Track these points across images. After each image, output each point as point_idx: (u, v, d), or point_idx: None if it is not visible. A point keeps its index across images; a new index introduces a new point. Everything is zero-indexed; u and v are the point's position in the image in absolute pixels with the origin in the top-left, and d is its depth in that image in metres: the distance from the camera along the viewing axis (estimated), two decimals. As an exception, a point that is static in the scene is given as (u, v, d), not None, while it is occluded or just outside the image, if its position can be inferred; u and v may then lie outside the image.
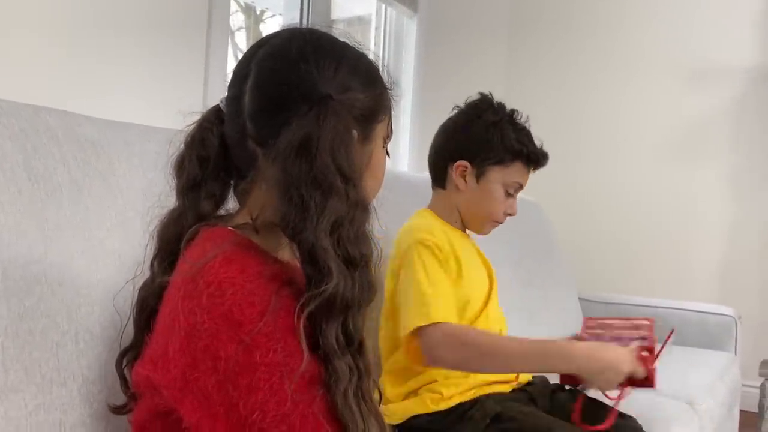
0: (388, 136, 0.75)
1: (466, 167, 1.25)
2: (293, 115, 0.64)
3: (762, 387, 2.48)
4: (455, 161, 1.25)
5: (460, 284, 1.18)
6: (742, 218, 2.88)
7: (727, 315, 2.14)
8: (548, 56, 3.27)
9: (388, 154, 0.77)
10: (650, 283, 2.92)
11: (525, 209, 2.29)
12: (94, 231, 0.82)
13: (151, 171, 0.94)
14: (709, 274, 2.92)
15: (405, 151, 2.58)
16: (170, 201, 0.75)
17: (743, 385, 2.24)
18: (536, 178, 3.23)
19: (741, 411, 2.20)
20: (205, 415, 0.59)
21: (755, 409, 2.51)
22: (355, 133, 0.68)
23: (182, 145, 0.72)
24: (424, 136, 2.63)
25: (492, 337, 1.12)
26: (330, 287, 0.60)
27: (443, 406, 1.12)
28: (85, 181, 0.84)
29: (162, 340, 0.64)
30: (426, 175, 1.96)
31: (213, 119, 0.72)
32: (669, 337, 1.27)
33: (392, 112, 0.75)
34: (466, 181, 1.25)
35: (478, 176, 1.25)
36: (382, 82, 0.73)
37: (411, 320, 1.06)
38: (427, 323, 1.04)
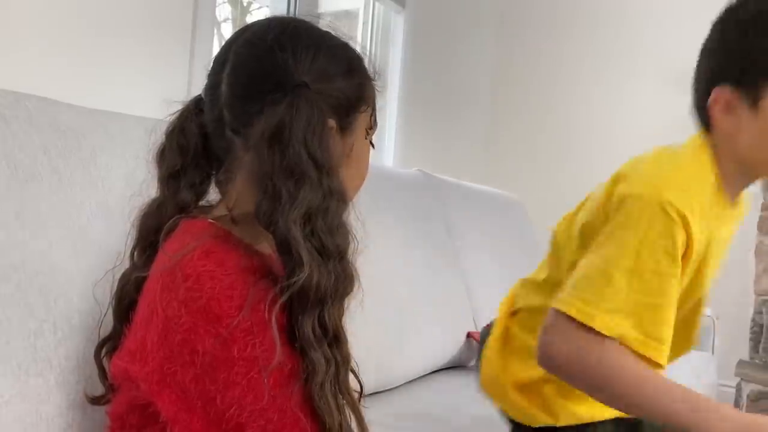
0: (371, 127, 0.74)
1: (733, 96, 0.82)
2: (267, 104, 0.64)
3: (738, 386, 2.52)
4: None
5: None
6: (722, 220, 2.92)
7: (705, 315, 2.16)
8: (536, 53, 3.28)
9: (372, 145, 0.77)
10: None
11: (508, 209, 2.31)
12: (74, 220, 0.81)
13: (132, 160, 0.93)
14: (688, 275, 2.96)
15: (390, 145, 2.58)
16: (152, 191, 0.74)
17: (720, 385, 2.26)
18: (520, 178, 3.26)
19: (716, 410, 2.23)
20: (182, 409, 0.58)
21: (730, 408, 2.55)
22: (332, 122, 0.67)
23: (163, 135, 0.72)
24: (410, 131, 2.63)
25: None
26: (302, 278, 0.60)
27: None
28: (66, 170, 0.83)
29: (140, 332, 0.63)
30: (411, 170, 1.96)
31: (193, 108, 0.72)
32: None
33: (376, 103, 0.74)
34: (738, 115, 0.83)
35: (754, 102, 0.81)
36: (365, 71, 0.72)
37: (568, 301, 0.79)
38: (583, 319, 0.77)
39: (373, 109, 0.73)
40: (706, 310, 2.20)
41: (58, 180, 0.81)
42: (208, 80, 0.70)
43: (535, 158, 3.26)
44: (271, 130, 0.62)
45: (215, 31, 1.84)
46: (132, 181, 0.89)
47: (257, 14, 2.47)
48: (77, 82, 1.48)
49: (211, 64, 0.71)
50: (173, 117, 0.72)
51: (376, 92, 0.73)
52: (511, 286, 1.25)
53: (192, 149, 0.70)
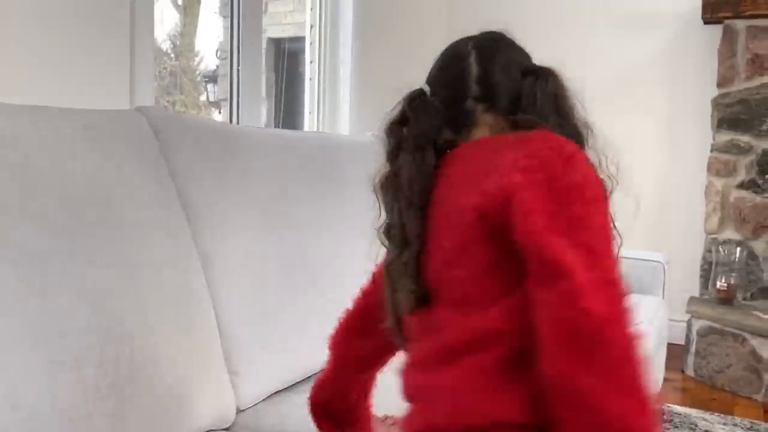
0: None
1: None
2: (524, 81, 0.86)
3: (689, 322, 2.64)
4: None
5: None
6: (674, 163, 2.98)
7: (656, 261, 2.23)
8: (486, 8, 3.24)
9: None
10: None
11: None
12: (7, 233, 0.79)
13: (69, 161, 0.90)
14: (641, 218, 3.04)
15: (345, 113, 2.52)
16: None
17: (670, 320, 2.36)
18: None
19: (667, 344, 2.33)
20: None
21: (680, 341, 2.68)
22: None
23: (403, 107, 0.85)
24: (364, 97, 2.57)
25: None
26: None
27: None
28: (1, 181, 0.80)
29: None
30: (366, 136, 1.92)
31: (419, 93, 0.87)
32: None
33: None
34: None
35: None
36: None
37: None
38: None
39: None
40: (656, 256, 2.28)
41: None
42: (443, 72, 0.87)
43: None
44: (552, 96, 0.85)
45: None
46: (68, 183, 0.86)
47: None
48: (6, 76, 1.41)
49: (442, 59, 0.88)
50: (404, 103, 0.85)
51: None
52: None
53: (441, 114, 0.84)
